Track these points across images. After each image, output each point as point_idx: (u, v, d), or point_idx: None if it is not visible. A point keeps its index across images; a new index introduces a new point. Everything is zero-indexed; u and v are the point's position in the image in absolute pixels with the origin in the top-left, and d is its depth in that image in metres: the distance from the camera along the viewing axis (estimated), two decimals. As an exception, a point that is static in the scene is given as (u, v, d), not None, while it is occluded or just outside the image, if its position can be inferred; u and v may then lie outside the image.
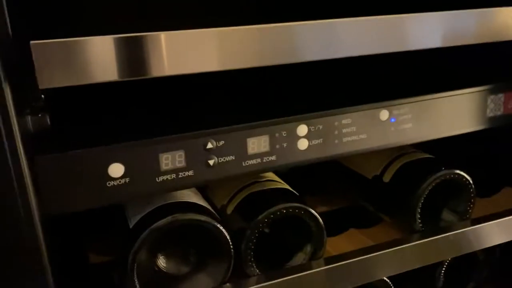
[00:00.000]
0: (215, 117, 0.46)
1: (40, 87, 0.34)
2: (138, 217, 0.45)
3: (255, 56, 0.40)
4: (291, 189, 0.52)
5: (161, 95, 0.54)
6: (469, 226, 0.55)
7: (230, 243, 0.45)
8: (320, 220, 0.48)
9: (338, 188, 0.69)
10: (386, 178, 0.56)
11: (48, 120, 0.43)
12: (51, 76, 0.34)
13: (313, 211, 0.48)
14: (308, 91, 0.57)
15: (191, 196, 0.48)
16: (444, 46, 0.47)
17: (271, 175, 0.54)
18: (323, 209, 0.67)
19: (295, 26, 0.41)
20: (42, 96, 0.37)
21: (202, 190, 0.54)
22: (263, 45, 0.40)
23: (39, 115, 0.39)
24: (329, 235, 0.59)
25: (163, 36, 0.36)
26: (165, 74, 0.37)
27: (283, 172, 0.57)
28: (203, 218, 0.44)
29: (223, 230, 0.44)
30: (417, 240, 0.52)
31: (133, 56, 0.36)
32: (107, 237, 0.55)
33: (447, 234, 0.53)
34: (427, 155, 0.58)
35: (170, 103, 0.53)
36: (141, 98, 0.53)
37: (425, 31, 0.46)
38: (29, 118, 0.40)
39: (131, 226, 0.45)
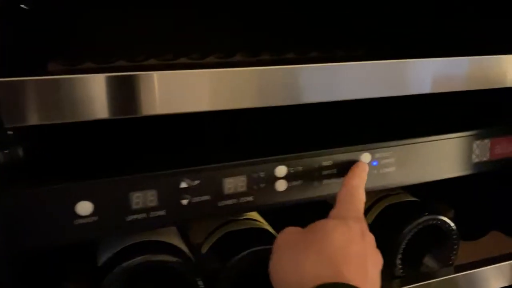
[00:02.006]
0: (191, 156, 0.45)
1: (5, 125, 0.33)
2: (107, 255, 0.43)
3: (246, 97, 0.40)
4: (269, 228, 0.51)
5: (136, 132, 0.53)
6: (453, 274, 0.54)
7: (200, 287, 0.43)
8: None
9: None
10: (369, 219, 0.55)
11: (21, 153, 0.42)
12: (16, 114, 0.33)
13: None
14: (289, 131, 0.56)
15: (164, 233, 0.47)
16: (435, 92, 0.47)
17: (251, 213, 0.53)
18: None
19: (281, 69, 0.41)
20: (10, 133, 0.36)
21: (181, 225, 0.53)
22: (254, 87, 0.40)
23: (6, 151, 0.38)
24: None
25: (155, 76, 0.36)
26: (156, 113, 0.37)
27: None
28: (173, 259, 0.43)
29: (194, 273, 0.43)
30: (396, 287, 0.51)
31: (124, 95, 0.36)
32: (82, 274, 0.53)
33: (429, 281, 0.52)
34: (412, 198, 0.56)
35: (145, 141, 0.52)
36: (117, 135, 0.52)
37: (419, 77, 0.46)
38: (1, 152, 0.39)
39: (99, 264, 0.44)
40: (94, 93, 0.35)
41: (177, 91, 0.37)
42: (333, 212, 0.42)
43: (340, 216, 0.41)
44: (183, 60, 0.60)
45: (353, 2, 0.76)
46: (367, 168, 0.47)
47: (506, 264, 0.57)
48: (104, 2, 0.64)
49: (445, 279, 0.53)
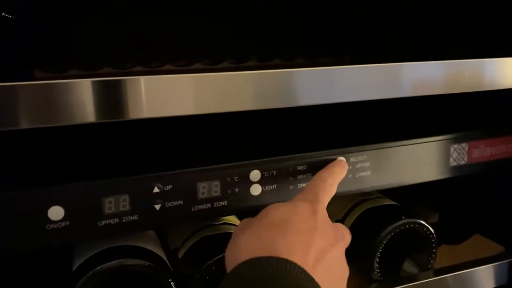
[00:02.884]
0: (164, 160, 0.45)
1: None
2: (81, 260, 0.44)
3: (231, 101, 0.40)
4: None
5: (109, 135, 0.54)
6: (431, 277, 0.54)
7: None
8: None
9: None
10: (347, 223, 0.55)
11: (-6, 157, 0.43)
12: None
13: (264, 259, 0.46)
14: (263, 135, 0.56)
15: (142, 238, 0.47)
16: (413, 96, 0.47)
17: (229, 217, 0.53)
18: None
19: (263, 73, 0.41)
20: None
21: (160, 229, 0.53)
22: (240, 91, 0.40)
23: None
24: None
25: (142, 80, 0.36)
26: (143, 117, 0.37)
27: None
28: (146, 264, 0.43)
29: (167, 278, 0.43)
30: (374, 291, 0.51)
31: (111, 99, 0.36)
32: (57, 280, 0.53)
33: (407, 285, 0.52)
34: (391, 202, 0.57)
35: (118, 144, 0.52)
36: (90, 139, 0.53)
37: (399, 80, 0.46)
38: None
39: (73, 269, 0.44)
40: (81, 98, 0.35)
41: (164, 95, 0.37)
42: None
43: (295, 199, 0.40)
44: (169, 67, 0.61)
45: (339, 9, 0.76)
46: (343, 165, 0.46)
47: (486, 267, 0.57)
48: (90, 10, 0.65)
49: (423, 282, 0.53)
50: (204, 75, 0.39)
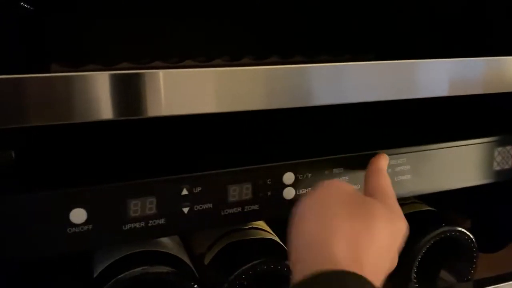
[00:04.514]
0: (193, 161, 0.42)
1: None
2: (102, 266, 0.41)
3: (254, 98, 0.37)
4: (275, 238, 0.48)
5: (136, 136, 0.51)
6: (472, 289, 0.50)
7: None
8: (305, 277, 0.44)
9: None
10: (382, 230, 0.52)
11: (12, 157, 0.40)
12: (10, 114, 0.31)
13: (296, 268, 0.43)
14: (298, 136, 0.53)
15: (165, 243, 0.44)
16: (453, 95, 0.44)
17: (257, 222, 0.50)
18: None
19: (293, 69, 0.38)
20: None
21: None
22: (262, 87, 0.37)
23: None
24: None
25: (161, 75, 0.34)
26: (162, 114, 0.34)
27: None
28: (172, 271, 0.40)
29: (193, 286, 0.40)
30: (412, 303, 0.48)
31: (128, 94, 0.33)
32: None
33: (447, 296, 0.49)
34: (428, 208, 0.53)
35: (145, 145, 0.50)
36: (115, 138, 0.50)
37: (435, 78, 0.43)
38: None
39: (94, 275, 0.41)
40: (98, 92, 0.32)
41: (184, 91, 0.35)
42: (378, 197, 0.37)
43: (387, 206, 0.36)
44: (189, 62, 0.58)
45: (363, 6, 0.73)
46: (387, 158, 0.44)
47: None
48: (109, 4, 0.62)
49: (464, 294, 0.50)
50: (227, 70, 0.36)
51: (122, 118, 0.34)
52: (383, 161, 0.43)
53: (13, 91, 0.31)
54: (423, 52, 0.53)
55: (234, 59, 0.61)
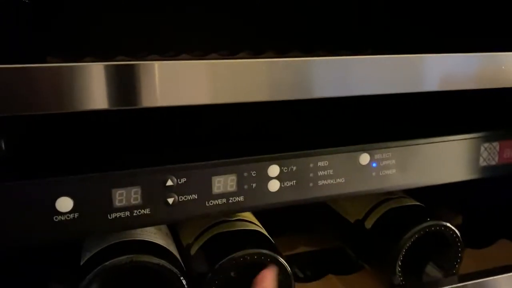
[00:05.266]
0: (178, 152, 0.43)
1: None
2: (89, 254, 0.42)
3: (249, 90, 0.38)
4: (262, 230, 0.49)
5: (123, 126, 0.52)
6: (456, 283, 0.51)
7: (186, 290, 0.41)
8: (288, 269, 0.44)
9: (322, 228, 0.65)
10: (368, 224, 0.53)
11: (3, 145, 0.41)
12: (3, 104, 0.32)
13: (280, 259, 0.44)
14: (283, 129, 0.54)
15: (152, 233, 0.45)
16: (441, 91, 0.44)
17: (244, 214, 0.51)
18: (304, 249, 0.63)
19: (285, 62, 0.38)
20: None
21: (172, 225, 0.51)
22: (259, 80, 0.38)
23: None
24: (305, 280, 0.56)
25: (156, 66, 0.34)
26: (156, 105, 0.35)
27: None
28: (158, 261, 0.41)
29: (179, 275, 0.41)
30: (395, 296, 0.48)
31: (123, 84, 0.34)
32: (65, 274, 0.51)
33: (431, 290, 0.49)
34: (415, 202, 0.54)
35: (132, 135, 0.50)
36: (102, 128, 0.51)
37: (426, 74, 0.43)
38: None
39: (81, 263, 0.42)
40: (92, 83, 0.33)
41: (179, 82, 0.35)
42: None
43: None
44: (185, 56, 0.59)
45: (361, 2, 0.73)
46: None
47: (514, 274, 0.54)
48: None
49: (448, 288, 0.50)
50: (220, 62, 0.36)
51: (116, 108, 0.34)
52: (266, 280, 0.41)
53: (5, 80, 0.32)
54: (419, 49, 0.54)
55: (231, 54, 0.61)
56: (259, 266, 0.44)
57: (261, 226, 0.50)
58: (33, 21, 0.60)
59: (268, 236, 0.48)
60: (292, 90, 0.39)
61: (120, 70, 0.34)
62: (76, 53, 0.56)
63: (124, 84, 0.34)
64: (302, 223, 0.65)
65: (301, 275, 0.57)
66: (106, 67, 0.33)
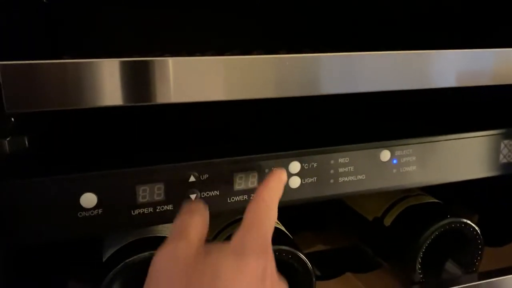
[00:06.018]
0: (200, 149, 0.43)
1: (8, 111, 0.32)
2: (112, 250, 0.42)
3: (264, 86, 0.38)
4: (281, 227, 0.49)
5: (146, 123, 0.52)
6: (476, 281, 0.50)
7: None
8: (309, 265, 0.44)
9: (338, 225, 0.65)
10: (387, 221, 0.52)
11: (26, 142, 0.41)
12: (22, 100, 0.32)
13: (301, 255, 0.44)
14: (304, 125, 0.54)
15: (173, 229, 0.45)
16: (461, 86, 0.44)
17: (263, 211, 0.51)
18: (321, 247, 0.63)
19: (301, 57, 0.39)
20: (12, 119, 0.35)
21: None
22: (272, 76, 0.38)
23: (7, 138, 0.37)
24: (323, 278, 0.56)
25: (170, 62, 0.35)
26: (171, 101, 0.35)
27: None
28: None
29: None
30: (416, 293, 0.48)
31: (138, 81, 0.34)
32: (86, 271, 0.52)
33: (451, 288, 0.49)
34: (433, 200, 0.54)
35: (155, 132, 0.51)
36: (125, 125, 0.51)
37: (443, 69, 0.43)
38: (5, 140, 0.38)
39: (104, 259, 0.42)
40: (108, 79, 0.33)
41: (193, 78, 0.36)
42: (235, 238, 0.33)
43: (242, 247, 0.32)
44: (198, 56, 0.59)
45: (370, 4, 0.73)
46: (284, 177, 0.38)
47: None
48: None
49: (468, 286, 0.50)
50: (235, 58, 0.37)
51: (131, 104, 0.35)
52: (265, 190, 0.36)
53: (25, 76, 0.32)
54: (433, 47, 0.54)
55: (243, 53, 0.61)
56: (278, 263, 0.44)
57: (279, 223, 0.50)
58: (49, 21, 0.61)
59: (288, 233, 0.48)
60: (302, 86, 0.39)
61: (135, 67, 0.34)
62: (90, 52, 0.56)
63: (138, 80, 0.34)
64: (319, 221, 0.65)
65: (318, 273, 0.57)
66: (122, 63, 0.34)
